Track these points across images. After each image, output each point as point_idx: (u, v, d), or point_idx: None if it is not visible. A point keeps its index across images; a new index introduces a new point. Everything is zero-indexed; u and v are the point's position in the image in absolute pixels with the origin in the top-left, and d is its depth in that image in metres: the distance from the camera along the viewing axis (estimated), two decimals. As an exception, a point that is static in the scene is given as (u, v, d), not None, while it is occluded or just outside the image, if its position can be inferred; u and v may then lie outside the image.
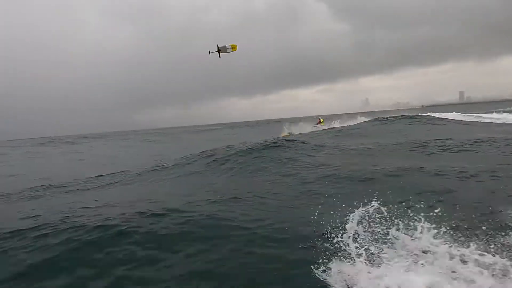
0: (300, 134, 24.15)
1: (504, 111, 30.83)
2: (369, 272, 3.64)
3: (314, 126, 31.97)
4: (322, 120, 32.63)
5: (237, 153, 11.43)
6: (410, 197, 5.54)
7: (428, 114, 27.18)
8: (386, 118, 24.15)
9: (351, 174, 7.84)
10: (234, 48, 16.93)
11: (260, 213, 5.64)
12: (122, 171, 12.11)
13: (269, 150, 11.66)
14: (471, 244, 3.80)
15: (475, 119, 24.11)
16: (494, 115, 26.20)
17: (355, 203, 4.57)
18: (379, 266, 3.69)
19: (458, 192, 6.13)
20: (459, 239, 3.99)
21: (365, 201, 4.52)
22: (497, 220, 4.70)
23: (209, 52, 16.85)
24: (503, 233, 4.20)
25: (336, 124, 31.08)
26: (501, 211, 5.01)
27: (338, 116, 35.25)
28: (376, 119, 24.50)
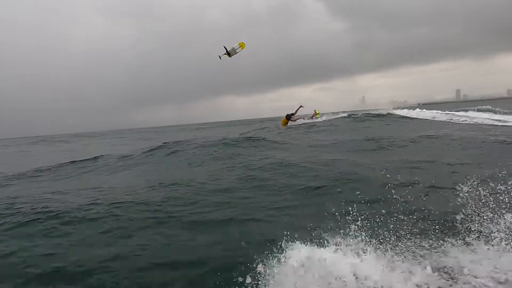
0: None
1: (479, 110, 28.04)
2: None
3: (310, 119, 33.41)
4: (317, 112, 33.46)
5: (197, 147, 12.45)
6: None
7: (397, 112, 27.33)
8: (358, 116, 25.89)
9: (290, 163, 8.44)
10: (242, 46, 15.60)
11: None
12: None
13: (227, 146, 12.32)
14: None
15: (442, 117, 23.50)
16: (461, 113, 25.20)
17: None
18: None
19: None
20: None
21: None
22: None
23: (219, 57, 15.34)
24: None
25: (316, 119, 32.19)
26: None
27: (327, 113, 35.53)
28: (350, 116, 26.64)
